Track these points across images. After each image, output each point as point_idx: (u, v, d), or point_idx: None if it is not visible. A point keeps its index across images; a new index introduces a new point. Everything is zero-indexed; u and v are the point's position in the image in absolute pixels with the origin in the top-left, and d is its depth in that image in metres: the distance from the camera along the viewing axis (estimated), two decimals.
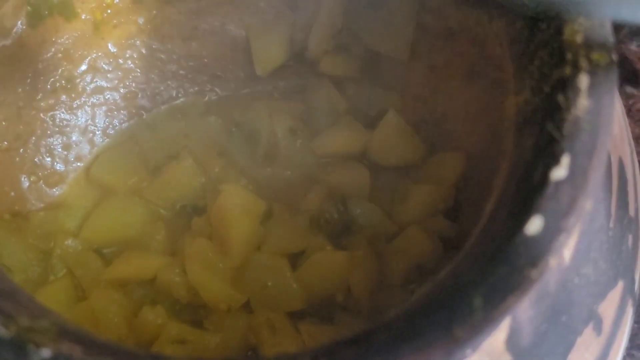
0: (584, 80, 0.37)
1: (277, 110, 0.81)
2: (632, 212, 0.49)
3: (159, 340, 0.67)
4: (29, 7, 0.71)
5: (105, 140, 0.81)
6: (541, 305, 0.39)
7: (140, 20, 0.79)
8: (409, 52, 0.78)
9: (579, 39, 0.39)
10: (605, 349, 0.46)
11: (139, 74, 0.81)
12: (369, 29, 0.79)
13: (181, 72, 0.83)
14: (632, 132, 0.70)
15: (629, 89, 0.94)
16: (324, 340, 0.67)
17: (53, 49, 0.75)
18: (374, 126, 0.79)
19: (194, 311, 0.71)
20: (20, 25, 0.71)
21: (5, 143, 0.73)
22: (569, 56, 0.38)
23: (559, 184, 0.34)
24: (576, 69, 0.38)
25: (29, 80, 0.74)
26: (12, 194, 0.74)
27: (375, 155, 0.78)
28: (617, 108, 0.45)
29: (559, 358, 0.41)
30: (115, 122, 0.81)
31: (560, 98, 0.37)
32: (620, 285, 0.47)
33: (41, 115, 0.76)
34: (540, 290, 0.39)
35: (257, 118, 0.80)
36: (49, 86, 0.76)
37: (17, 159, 0.75)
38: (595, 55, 0.38)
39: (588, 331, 0.44)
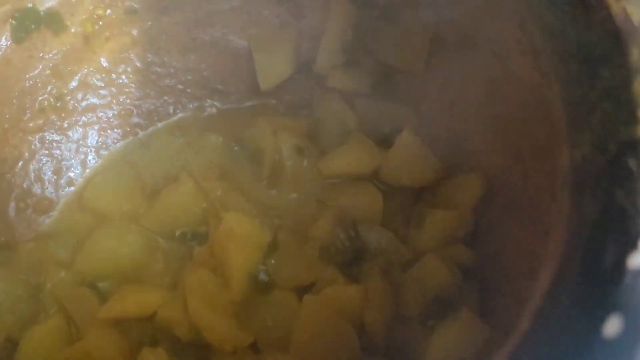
0: None
1: (281, 127, 0.76)
2: None
3: None
4: (13, 21, 0.66)
5: (99, 162, 0.76)
6: None
7: (135, 32, 0.74)
8: (424, 65, 0.73)
9: None
10: None
11: (133, 90, 0.76)
12: (381, 41, 0.74)
13: (179, 86, 0.78)
14: None
15: None
16: None
17: (41, 66, 0.70)
18: (387, 144, 0.74)
19: (197, 351, 0.66)
20: (4, 40, 0.66)
21: None
22: None
23: (638, 273, 0.29)
24: None
25: (15, 100, 0.69)
26: None
27: (388, 176, 0.74)
28: None
29: None
30: (109, 141, 0.77)
31: (632, 162, 0.32)
32: None
33: (29, 137, 0.71)
34: None
35: (261, 135, 0.75)
36: (37, 105, 0.71)
37: (4, 185, 0.70)
38: None
39: None
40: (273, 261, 0.68)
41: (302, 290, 0.67)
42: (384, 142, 0.75)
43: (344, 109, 0.76)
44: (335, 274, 0.68)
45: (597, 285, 0.30)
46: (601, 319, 0.29)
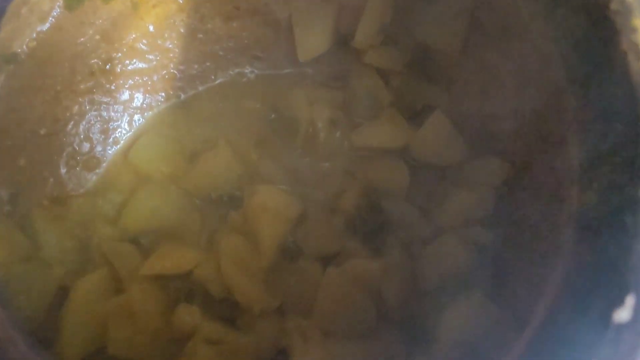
0: None
1: (317, 98, 0.78)
2: None
3: (194, 339, 0.68)
4: None
5: (143, 123, 0.79)
6: None
7: (180, 0, 0.76)
8: (461, 47, 0.75)
9: None
10: None
11: (177, 55, 0.79)
12: (420, 22, 0.75)
13: (220, 52, 0.80)
14: None
15: None
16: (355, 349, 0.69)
17: (91, 31, 0.73)
18: (418, 121, 0.76)
19: (228, 308, 0.71)
20: (57, 8, 0.69)
21: (44, 129, 0.72)
22: None
23: (621, 328, 0.33)
24: None
25: (67, 64, 0.72)
26: (51, 180, 0.73)
27: (417, 153, 0.76)
28: None
29: None
30: (153, 104, 0.80)
31: (629, 219, 0.35)
32: None
33: (79, 98, 0.75)
34: None
35: (297, 106, 0.78)
36: (87, 69, 0.74)
37: (57, 143, 0.74)
38: None
39: None
40: (301, 232, 0.73)
41: (327, 260, 0.71)
42: (415, 119, 0.77)
43: (378, 85, 0.78)
44: (358, 247, 0.72)
45: (584, 336, 0.34)
46: None
